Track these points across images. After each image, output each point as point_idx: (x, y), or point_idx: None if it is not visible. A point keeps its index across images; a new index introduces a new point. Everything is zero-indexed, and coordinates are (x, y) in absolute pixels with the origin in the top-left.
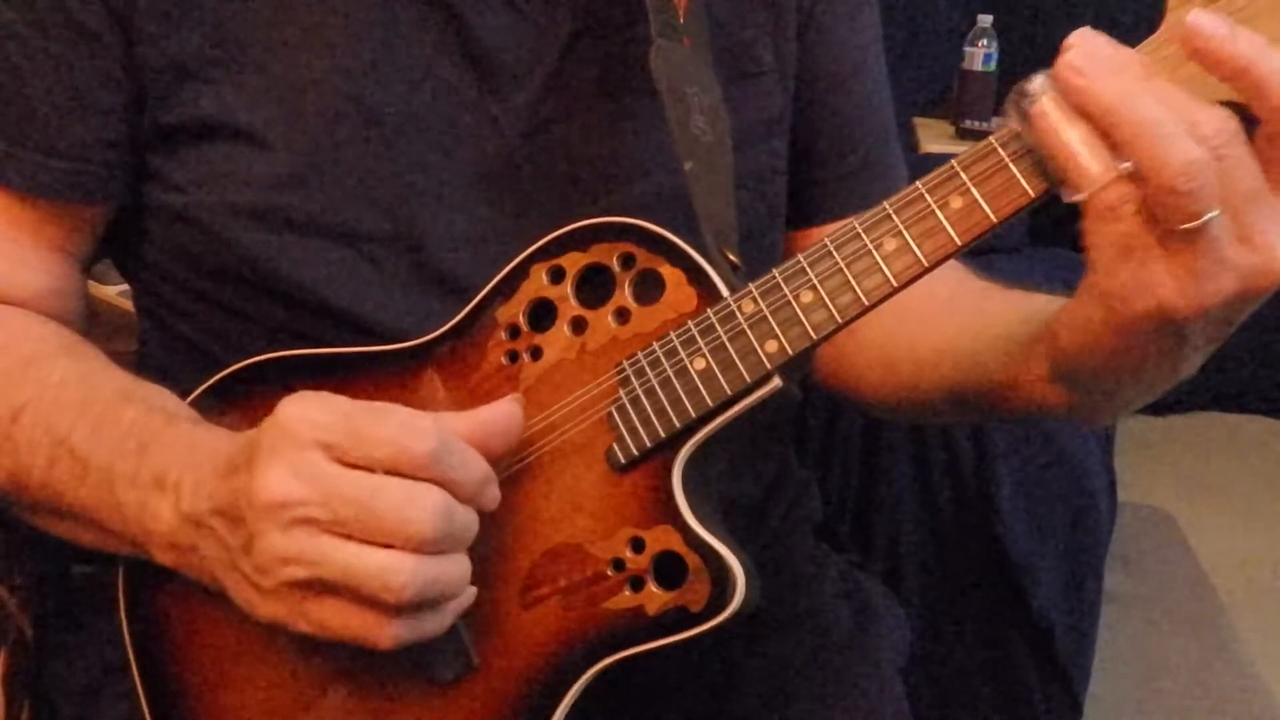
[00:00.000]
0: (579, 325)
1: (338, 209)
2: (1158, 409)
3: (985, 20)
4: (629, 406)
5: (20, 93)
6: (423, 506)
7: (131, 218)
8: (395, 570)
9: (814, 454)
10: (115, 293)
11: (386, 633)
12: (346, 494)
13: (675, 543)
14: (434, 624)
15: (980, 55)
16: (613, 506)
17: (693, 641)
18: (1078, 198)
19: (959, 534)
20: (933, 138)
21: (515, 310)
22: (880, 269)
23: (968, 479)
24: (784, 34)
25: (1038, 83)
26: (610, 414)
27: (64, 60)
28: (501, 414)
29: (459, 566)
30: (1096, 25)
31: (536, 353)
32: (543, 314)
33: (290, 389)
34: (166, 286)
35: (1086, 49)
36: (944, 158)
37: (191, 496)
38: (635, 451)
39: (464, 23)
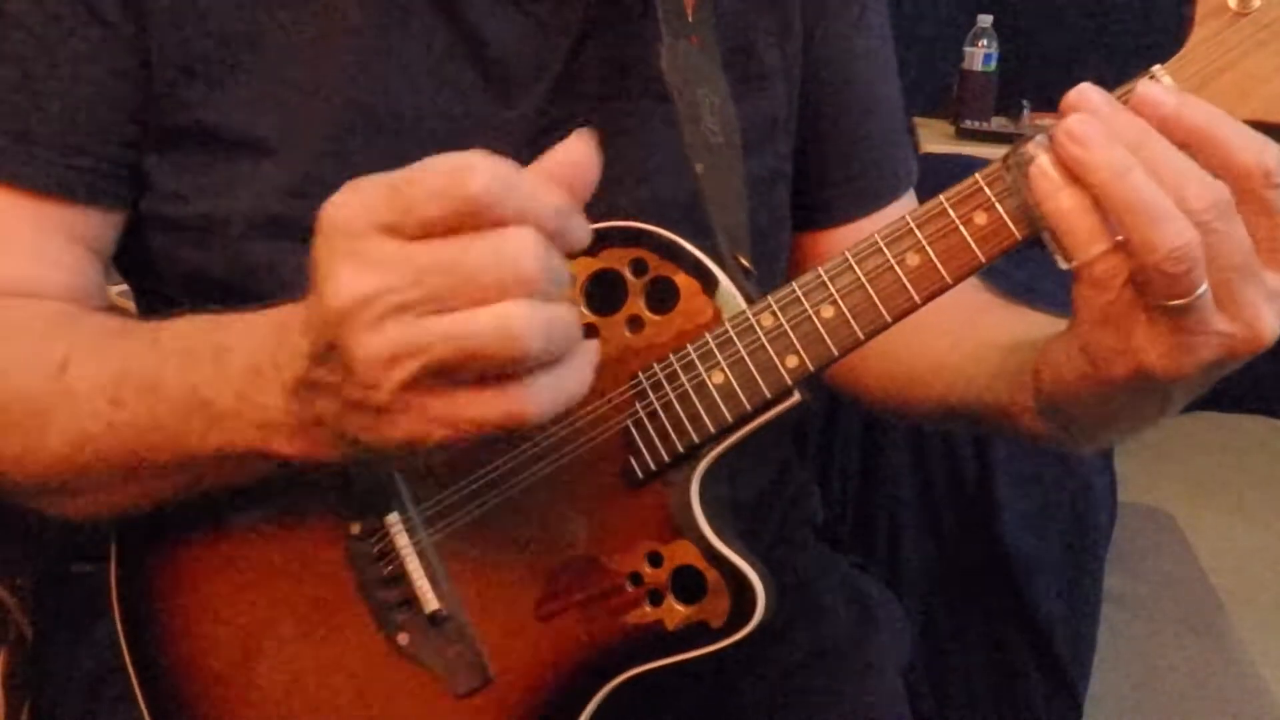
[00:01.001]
0: (590, 333)
1: None
2: None
3: (985, 20)
4: (646, 421)
5: (38, 90)
6: (516, 247)
7: (134, 223)
8: (513, 315)
9: (814, 454)
10: (115, 293)
11: (531, 399)
12: (429, 264)
13: (694, 557)
14: (574, 380)
15: (980, 55)
16: (630, 520)
17: (710, 655)
18: (1066, 266)
19: (959, 534)
20: (933, 138)
21: None
22: (904, 286)
23: (968, 479)
24: (790, 36)
25: (1035, 144)
26: (628, 428)
27: (82, 55)
28: (573, 149)
29: (567, 311)
30: (1095, 26)
31: None
32: None
33: None
34: (168, 290)
35: (1085, 111)
36: (944, 158)
37: (290, 365)
38: (653, 466)
39: (471, 27)
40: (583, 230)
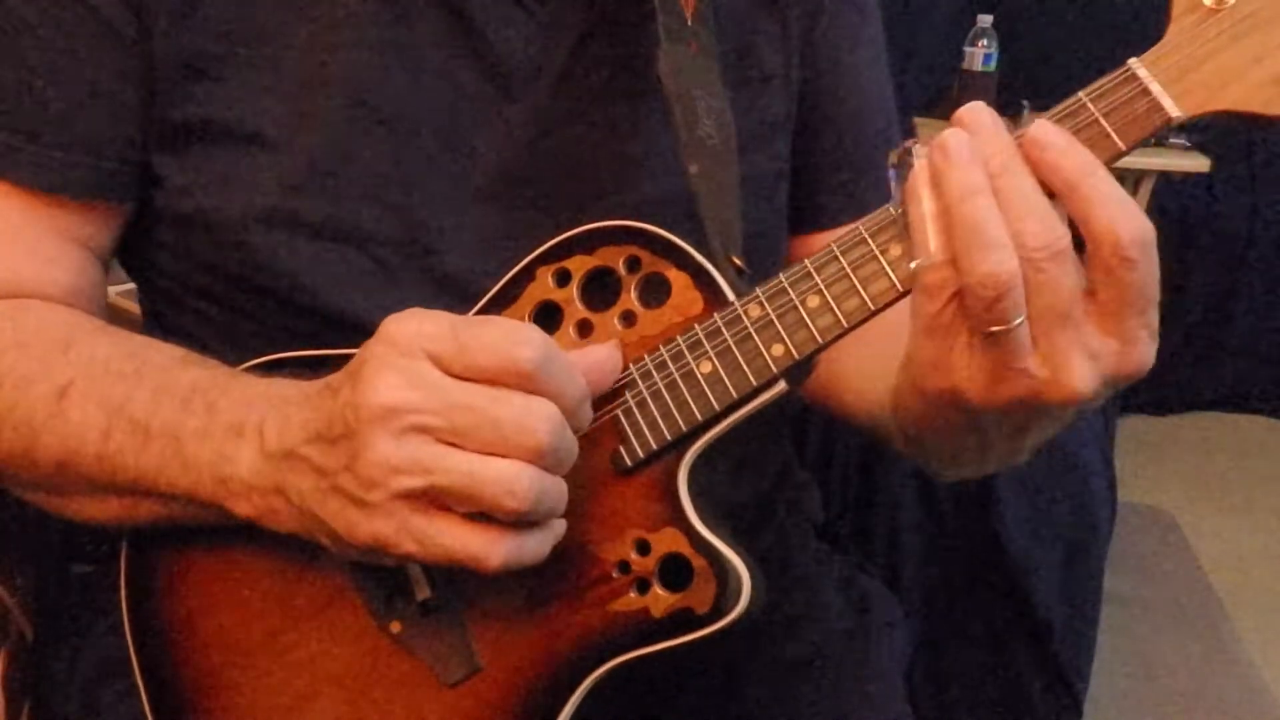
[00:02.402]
0: (585, 328)
1: (346, 211)
2: (1158, 409)
3: (985, 20)
4: (635, 410)
5: (39, 88)
6: (541, 417)
7: (139, 218)
8: (518, 478)
9: (814, 454)
10: (116, 293)
11: (498, 550)
12: (464, 403)
13: (681, 545)
14: (536, 548)
15: (980, 55)
16: (619, 509)
17: (697, 644)
18: (911, 265)
19: (959, 534)
20: (933, 138)
21: (521, 312)
22: (886, 273)
23: (968, 479)
24: (789, 39)
25: (918, 149)
26: (617, 417)
27: (83, 54)
28: (605, 354)
29: (561, 486)
30: (1095, 25)
31: None
32: (548, 316)
33: None
34: (173, 287)
35: (967, 129)
36: None
37: (279, 434)
38: (641, 454)
39: (474, 24)
40: (588, 418)
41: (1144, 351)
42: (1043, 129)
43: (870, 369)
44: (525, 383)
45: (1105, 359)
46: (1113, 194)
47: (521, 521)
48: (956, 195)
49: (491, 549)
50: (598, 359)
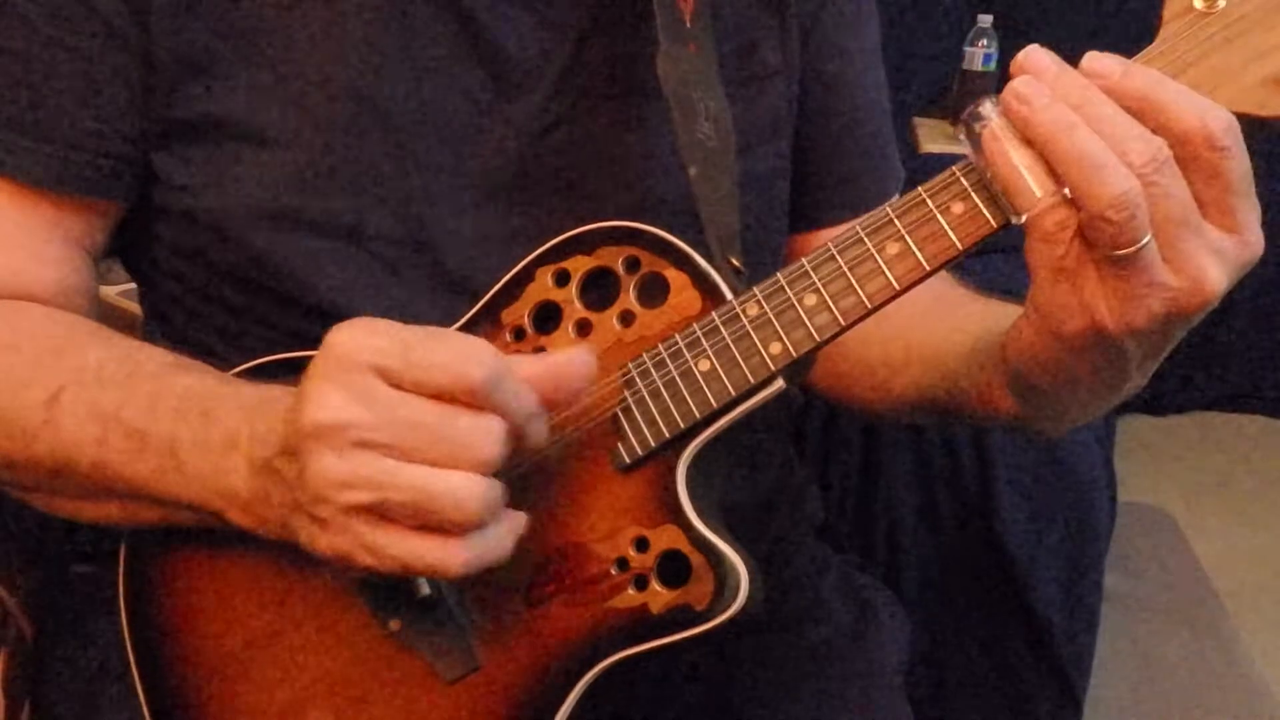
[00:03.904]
0: (584, 328)
1: (347, 210)
2: (1158, 409)
3: (985, 20)
4: (634, 407)
5: (36, 85)
6: (488, 433)
7: (139, 217)
8: (468, 488)
9: (814, 454)
10: (116, 293)
11: (457, 556)
12: (410, 420)
13: (679, 542)
14: (498, 547)
15: (980, 55)
16: (617, 506)
17: (695, 640)
18: (1019, 220)
19: (959, 534)
20: (933, 138)
21: (520, 313)
22: (883, 272)
23: (968, 479)
24: (789, 36)
25: (988, 106)
26: (615, 415)
27: (81, 52)
28: (573, 360)
29: (501, 489)
30: (1096, 25)
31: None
32: (548, 316)
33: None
34: (173, 286)
35: (1031, 73)
36: (944, 158)
37: (260, 444)
38: (640, 452)
39: (477, 22)
40: (541, 435)
41: (1259, 236)
42: (1095, 59)
43: (925, 350)
44: (474, 400)
45: (1229, 252)
46: (1187, 94)
47: (474, 528)
48: (1055, 133)
49: (449, 557)
50: (557, 363)
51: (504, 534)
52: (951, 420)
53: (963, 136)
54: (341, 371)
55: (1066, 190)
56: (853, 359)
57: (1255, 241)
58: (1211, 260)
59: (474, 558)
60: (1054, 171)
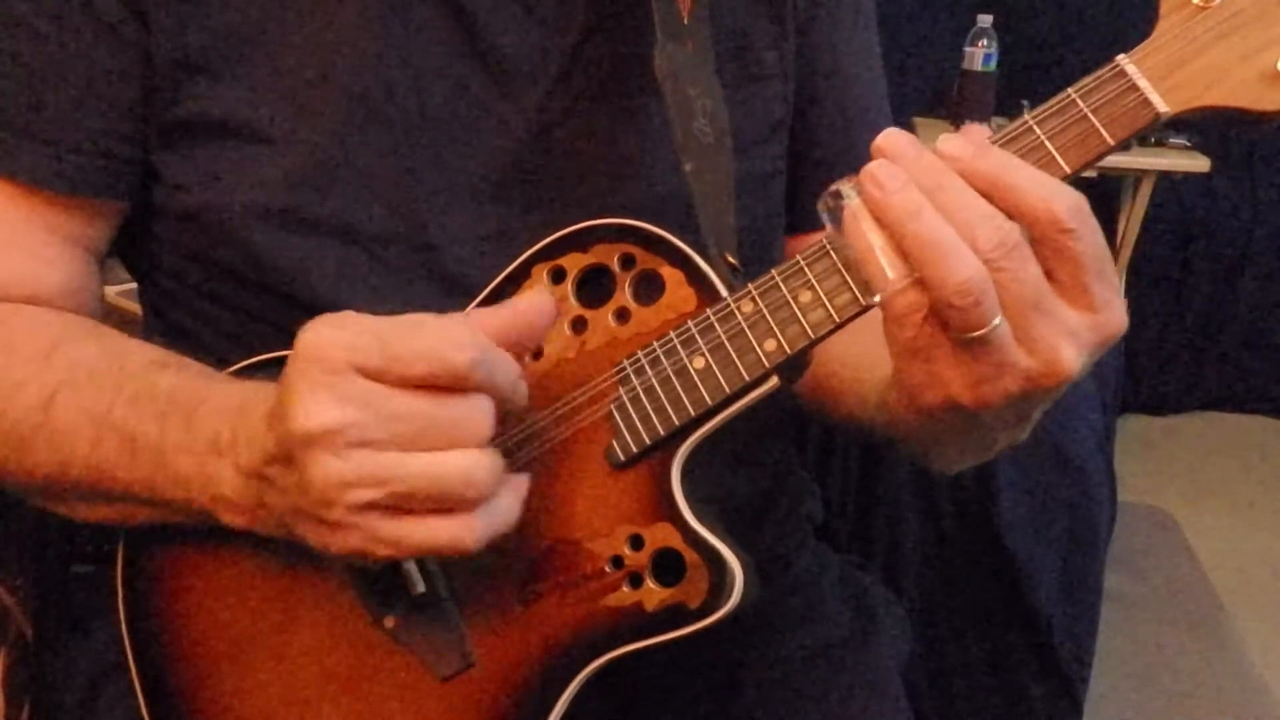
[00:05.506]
0: (579, 325)
1: (346, 208)
2: (1158, 409)
3: (985, 20)
4: (628, 405)
5: (36, 86)
6: (478, 411)
7: (140, 216)
8: (475, 466)
9: (814, 454)
10: (115, 292)
11: (474, 529)
12: (401, 413)
13: (674, 540)
14: (507, 513)
15: (980, 55)
16: (612, 504)
17: (691, 638)
18: (873, 301)
19: (959, 534)
20: (933, 138)
21: None
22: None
23: (968, 479)
24: (786, 37)
25: (847, 186)
26: (610, 412)
27: (80, 52)
28: (533, 304)
29: (499, 457)
30: (1094, 26)
31: (537, 352)
32: None
33: None
34: (173, 284)
35: (889, 156)
36: None
37: (247, 452)
38: (634, 449)
39: (475, 21)
40: (523, 396)
41: (1118, 313)
42: (947, 142)
43: (869, 375)
44: (461, 384)
45: (1084, 333)
46: (1036, 177)
47: (486, 498)
48: (904, 218)
49: (465, 531)
50: (518, 310)
51: (512, 500)
52: (875, 442)
53: (825, 214)
54: (322, 374)
55: (915, 274)
56: (823, 384)
57: (1114, 319)
58: (1065, 341)
59: (489, 527)
60: (905, 255)
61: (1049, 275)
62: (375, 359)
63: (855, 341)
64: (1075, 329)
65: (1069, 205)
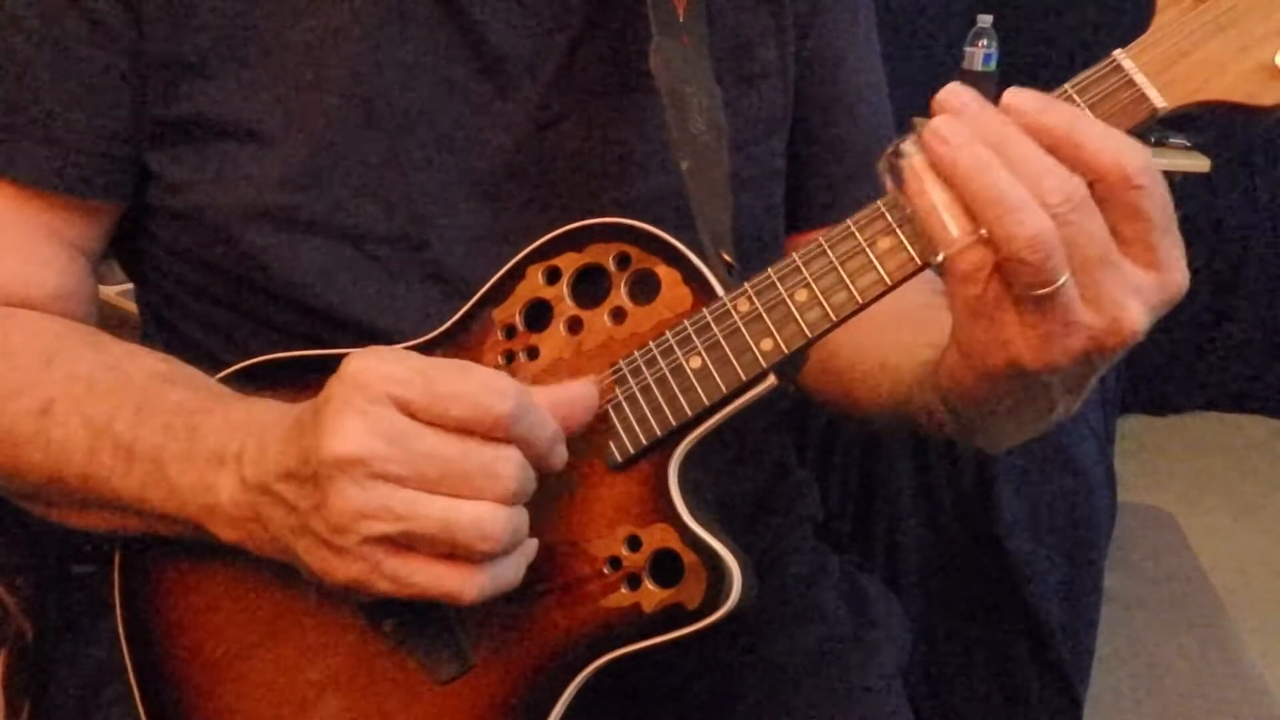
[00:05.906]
0: (575, 325)
1: (342, 208)
2: (1158, 409)
3: (985, 20)
4: (625, 405)
5: (31, 87)
6: (511, 463)
7: (136, 216)
8: (492, 520)
9: (814, 454)
10: (115, 292)
11: (475, 583)
12: (432, 453)
13: (672, 540)
14: (511, 575)
15: (980, 55)
16: (610, 505)
17: (689, 639)
18: (936, 260)
19: (959, 534)
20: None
21: (512, 311)
22: (874, 267)
23: (968, 479)
24: (785, 36)
25: (909, 143)
26: (607, 412)
27: (75, 52)
28: (580, 392)
29: (524, 516)
30: (1094, 26)
31: (533, 353)
32: (539, 314)
33: (293, 388)
34: (169, 285)
35: (951, 112)
36: None
37: (255, 465)
38: (631, 449)
39: (471, 20)
40: (562, 458)
41: (1182, 273)
42: (1014, 95)
43: (891, 359)
44: (497, 433)
45: (1150, 291)
46: (1106, 132)
47: (496, 555)
48: (971, 173)
49: (466, 584)
50: (570, 396)
51: (519, 561)
52: (897, 432)
53: (887, 172)
54: (362, 401)
55: (983, 230)
56: (833, 370)
57: (1177, 279)
58: (1131, 299)
59: (487, 585)
60: (970, 211)
61: (1114, 232)
62: (417, 395)
63: (880, 329)
64: (1141, 286)
65: (1140, 161)
